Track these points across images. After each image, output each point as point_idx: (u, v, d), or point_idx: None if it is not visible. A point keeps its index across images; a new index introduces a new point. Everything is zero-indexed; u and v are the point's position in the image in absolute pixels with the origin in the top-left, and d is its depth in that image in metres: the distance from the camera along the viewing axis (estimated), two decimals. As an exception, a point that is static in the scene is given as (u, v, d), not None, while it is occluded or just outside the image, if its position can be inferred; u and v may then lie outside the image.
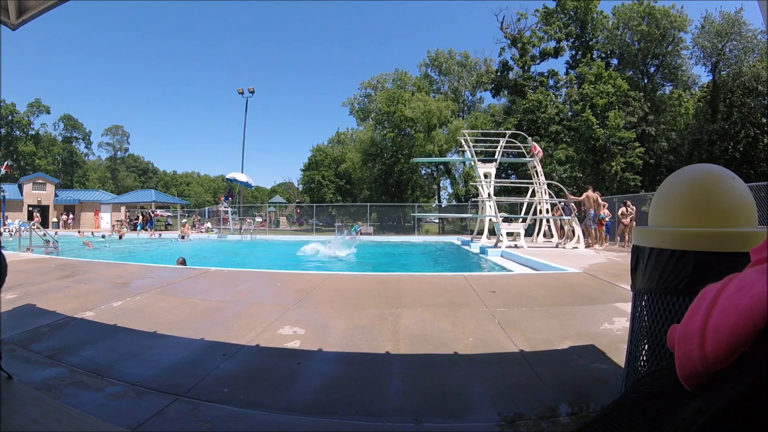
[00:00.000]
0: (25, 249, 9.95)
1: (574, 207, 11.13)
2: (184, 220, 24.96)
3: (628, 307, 2.78)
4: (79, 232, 17.37)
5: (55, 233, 14.79)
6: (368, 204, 26.11)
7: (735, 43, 23.05)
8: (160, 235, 19.79)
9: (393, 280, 5.14)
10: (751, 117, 22.10)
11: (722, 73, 23.67)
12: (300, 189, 39.09)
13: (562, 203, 11.71)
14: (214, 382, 2.09)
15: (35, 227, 13.57)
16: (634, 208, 11.13)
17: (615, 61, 26.93)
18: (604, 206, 11.27)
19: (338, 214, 31.38)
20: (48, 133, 46.44)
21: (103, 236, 18.71)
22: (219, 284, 4.81)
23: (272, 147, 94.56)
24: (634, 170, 23.01)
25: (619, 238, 11.49)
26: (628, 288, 1.70)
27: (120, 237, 16.72)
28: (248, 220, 22.09)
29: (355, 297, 4.08)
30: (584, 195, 11.17)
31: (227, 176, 22.20)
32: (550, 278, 5.38)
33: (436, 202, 32.20)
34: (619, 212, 11.41)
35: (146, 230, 23.28)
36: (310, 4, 72.87)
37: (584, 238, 10.59)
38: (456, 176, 30.97)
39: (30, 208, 28.89)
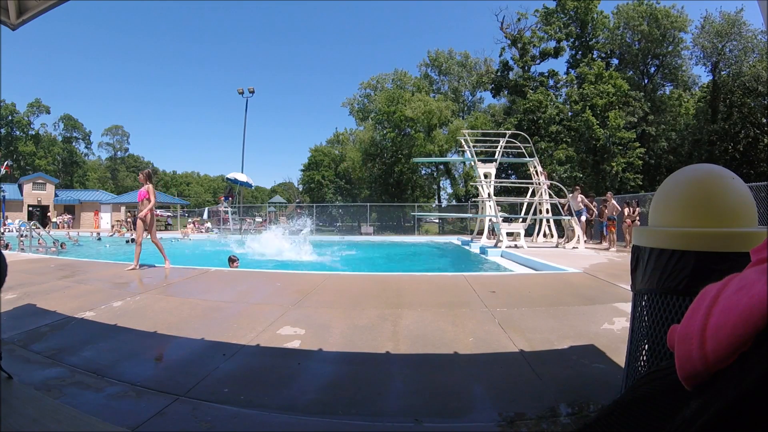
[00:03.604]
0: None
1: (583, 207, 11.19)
2: (189, 221, 24.97)
3: (628, 307, 2.78)
4: (68, 235, 17.29)
5: (47, 232, 14.76)
6: (368, 204, 26.10)
7: (735, 43, 23.08)
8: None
9: (393, 280, 5.14)
10: (751, 117, 22.12)
11: (722, 73, 23.69)
12: (300, 189, 39.10)
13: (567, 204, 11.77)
14: (214, 382, 2.09)
15: (35, 227, 13.57)
16: (639, 209, 11.10)
17: (615, 61, 26.96)
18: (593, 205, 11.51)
19: (338, 214, 31.40)
20: (48, 133, 46.46)
21: (99, 238, 18.66)
22: (219, 284, 4.81)
23: (272, 147, 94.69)
24: (635, 170, 23.02)
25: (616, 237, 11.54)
26: (628, 288, 1.70)
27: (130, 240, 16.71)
28: (248, 220, 22.11)
29: (355, 297, 4.08)
30: (580, 197, 11.25)
31: (227, 176, 22.19)
32: (550, 278, 5.38)
33: (436, 202, 32.19)
34: (625, 212, 11.39)
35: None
36: (309, 5, 72.93)
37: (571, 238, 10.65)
38: (456, 176, 30.99)
39: (30, 208, 28.89)
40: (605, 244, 11.25)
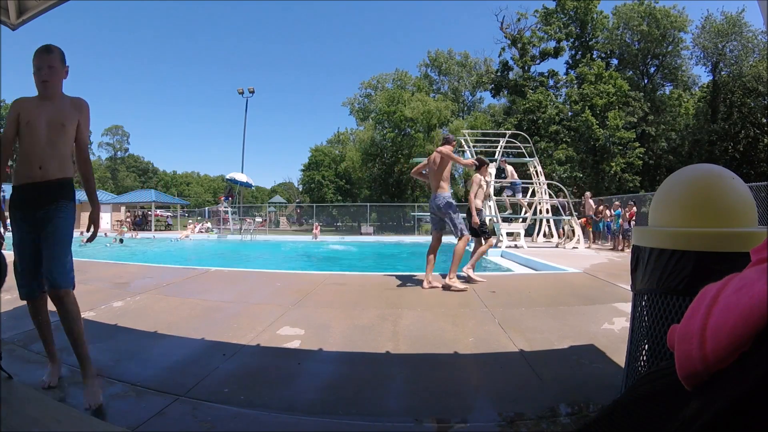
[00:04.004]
0: None
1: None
2: (190, 221, 24.97)
3: (628, 307, 2.78)
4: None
5: None
6: (368, 204, 26.11)
7: (735, 43, 23.05)
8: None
9: (393, 280, 5.14)
10: (751, 117, 22.11)
11: (722, 73, 23.67)
12: (300, 189, 39.08)
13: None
14: (214, 382, 2.09)
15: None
16: (634, 210, 11.18)
17: (615, 61, 26.93)
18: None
19: (338, 214, 31.39)
20: (48, 133, 46.35)
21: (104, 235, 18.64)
22: (219, 284, 4.81)
23: (272, 147, 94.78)
24: (634, 170, 23.01)
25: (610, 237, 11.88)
26: (628, 288, 1.70)
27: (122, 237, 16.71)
28: (248, 220, 22.07)
29: (355, 297, 4.08)
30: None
31: (227, 176, 22.17)
32: (550, 278, 5.38)
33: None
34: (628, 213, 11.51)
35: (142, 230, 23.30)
36: (310, 4, 72.90)
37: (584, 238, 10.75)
38: (456, 176, 30.97)
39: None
40: (608, 244, 11.47)
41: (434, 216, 4.78)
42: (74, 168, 2.17)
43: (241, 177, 20.88)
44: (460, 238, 4.58)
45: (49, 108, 1.99)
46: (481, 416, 1.81)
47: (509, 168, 12.50)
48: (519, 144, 13.97)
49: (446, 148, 4.61)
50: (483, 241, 5.22)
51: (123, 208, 29.31)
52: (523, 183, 12.78)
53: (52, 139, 1.98)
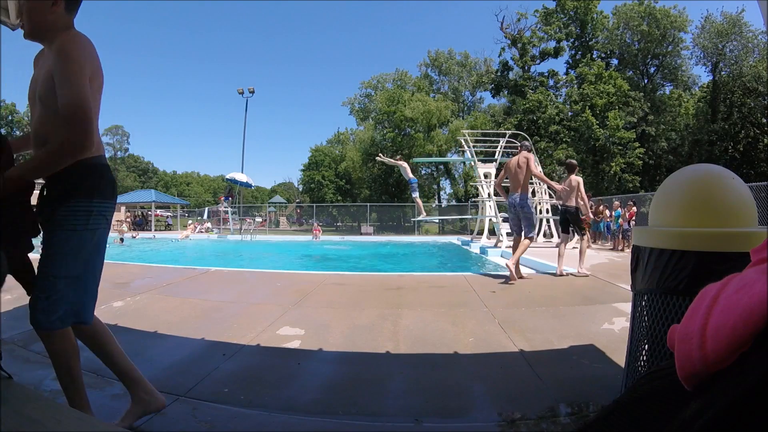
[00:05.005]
0: None
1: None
2: (190, 221, 24.97)
3: (628, 307, 2.78)
4: None
5: None
6: (368, 204, 26.11)
7: (735, 43, 23.05)
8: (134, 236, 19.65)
9: (393, 280, 5.14)
10: (751, 117, 22.12)
11: (722, 73, 23.68)
12: (300, 189, 39.09)
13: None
14: (214, 382, 2.09)
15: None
16: (635, 210, 11.20)
17: (615, 62, 26.95)
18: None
19: (338, 214, 31.39)
20: (48, 133, 46.29)
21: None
22: (219, 284, 4.81)
23: (272, 147, 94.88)
24: (634, 170, 23.03)
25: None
26: (628, 288, 1.71)
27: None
28: (248, 220, 22.08)
29: (355, 297, 4.08)
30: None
31: (227, 176, 22.15)
32: (550, 278, 5.38)
33: (436, 202, 32.17)
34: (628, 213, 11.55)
35: (142, 230, 23.29)
36: (310, 4, 72.95)
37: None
38: (456, 176, 30.98)
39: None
40: (608, 244, 11.48)
41: (513, 216, 5.17)
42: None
43: (241, 177, 20.87)
44: (528, 238, 5.05)
45: (35, 75, 1.44)
46: (481, 416, 1.81)
47: (402, 164, 12.53)
48: (519, 144, 13.96)
49: (532, 156, 5.19)
50: (581, 238, 5.81)
51: (123, 208, 29.30)
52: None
53: (40, 125, 1.43)
